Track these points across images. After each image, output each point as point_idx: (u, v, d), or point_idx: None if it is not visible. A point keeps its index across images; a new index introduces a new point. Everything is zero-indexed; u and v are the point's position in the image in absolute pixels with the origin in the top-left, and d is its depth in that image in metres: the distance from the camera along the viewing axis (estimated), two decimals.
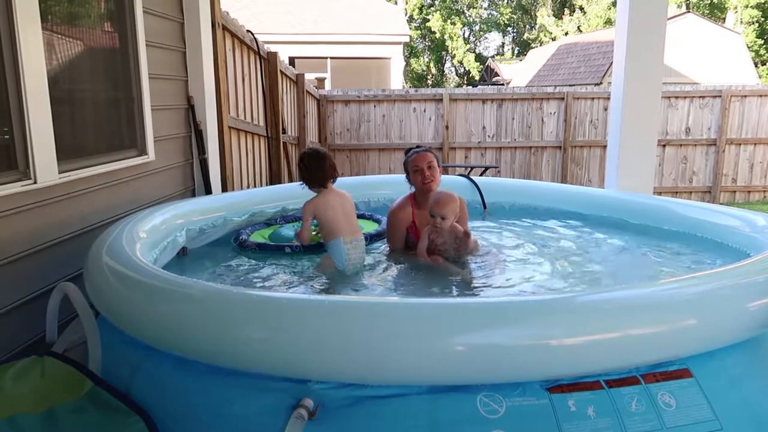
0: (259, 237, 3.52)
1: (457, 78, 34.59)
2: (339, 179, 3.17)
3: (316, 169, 3.03)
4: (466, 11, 33.03)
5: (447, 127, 10.13)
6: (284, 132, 7.14)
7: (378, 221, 3.86)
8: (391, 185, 4.47)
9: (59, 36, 2.95)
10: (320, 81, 10.42)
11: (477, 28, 34.52)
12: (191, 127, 4.41)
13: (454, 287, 2.83)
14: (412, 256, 3.10)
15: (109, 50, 3.49)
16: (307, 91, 8.72)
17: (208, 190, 4.49)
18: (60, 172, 2.74)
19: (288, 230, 3.58)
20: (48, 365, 2.03)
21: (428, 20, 31.25)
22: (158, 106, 3.84)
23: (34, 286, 2.63)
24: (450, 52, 31.72)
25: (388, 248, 3.37)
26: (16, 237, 2.53)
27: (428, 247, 3.06)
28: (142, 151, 3.66)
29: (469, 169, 8.90)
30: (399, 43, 16.32)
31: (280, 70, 6.99)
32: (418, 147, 3.40)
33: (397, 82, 15.96)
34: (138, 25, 3.55)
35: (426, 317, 1.73)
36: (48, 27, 2.77)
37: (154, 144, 3.75)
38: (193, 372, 1.83)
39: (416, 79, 32.72)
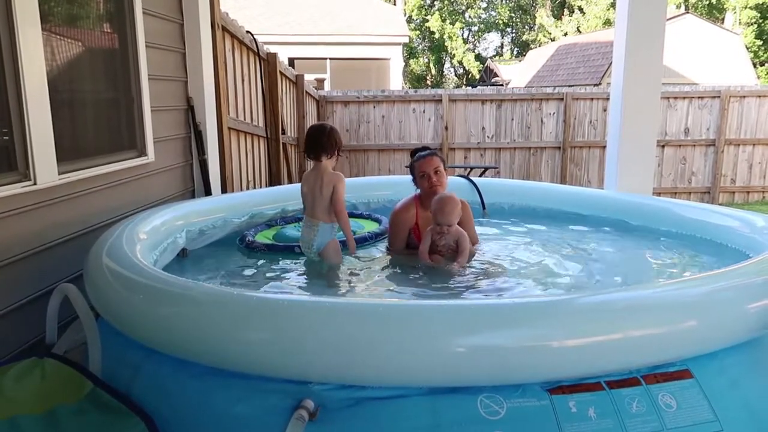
0: (262, 238, 3.52)
1: (456, 78, 34.61)
2: None
3: (305, 140, 3.03)
4: (464, 12, 33.04)
5: (446, 128, 10.14)
6: (284, 133, 7.14)
7: (378, 221, 3.86)
8: (390, 186, 4.48)
9: (59, 37, 2.95)
10: (320, 82, 10.43)
11: (475, 28, 34.53)
12: (191, 128, 4.41)
13: (454, 289, 2.83)
14: (413, 257, 3.11)
15: (109, 51, 3.49)
16: (306, 92, 8.72)
17: (207, 191, 4.49)
18: (60, 173, 2.74)
19: (292, 230, 3.58)
20: (48, 366, 2.03)
21: (427, 20, 31.27)
22: (158, 107, 3.84)
23: (34, 288, 2.63)
24: (449, 52, 31.74)
25: (388, 249, 3.37)
26: (16, 238, 2.53)
27: (430, 248, 3.06)
28: (142, 152, 3.66)
29: (468, 169, 8.90)
30: (398, 44, 16.33)
31: (280, 71, 6.99)
32: (424, 149, 3.36)
33: (396, 82, 15.96)
34: (138, 26, 3.56)
35: (426, 319, 1.73)
36: (48, 28, 2.77)
37: (154, 145, 3.75)
38: (194, 373, 1.83)
39: (415, 79, 32.74)
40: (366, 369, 1.73)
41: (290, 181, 7.18)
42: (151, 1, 3.75)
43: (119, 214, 3.30)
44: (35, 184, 2.56)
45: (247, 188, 5.83)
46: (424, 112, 10.18)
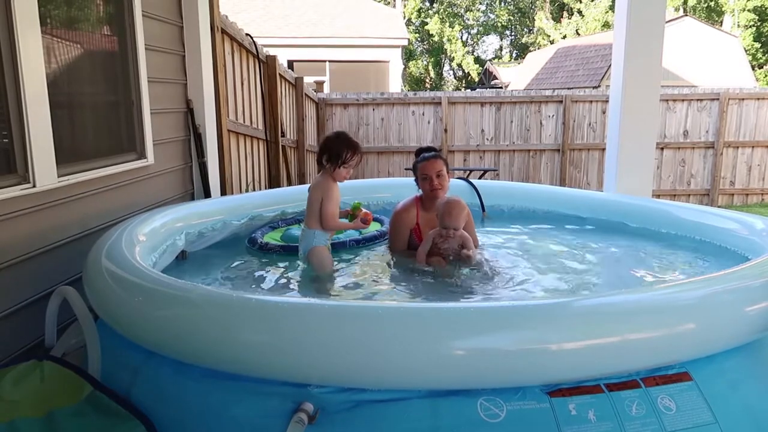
0: (269, 239, 3.53)
1: (455, 81, 34.62)
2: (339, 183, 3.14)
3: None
4: (464, 14, 33.07)
5: (446, 130, 10.14)
6: (283, 135, 7.14)
7: (380, 221, 3.86)
8: (390, 188, 4.47)
9: (59, 40, 2.96)
10: (319, 84, 10.43)
11: (474, 31, 34.56)
12: (190, 131, 4.41)
13: (453, 291, 2.83)
14: (413, 259, 3.11)
15: (109, 54, 3.49)
16: (306, 95, 8.73)
17: (207, 194, 4.49)
18: (59, 176, 2.74)
19: (298, 231, 3.57)
20: (47, 369, 2.03)
21: (426, 23, 31.31)
22: (157, 110, 3.85)
23: (34, 290, 2.62)
24: (448, 54, 31.77)
25: (389, 250, 3.37)
26: (16, 240, 2.53)
27: (431, 251, 3.06)
28: (141, 155, 3.66)
29: (468, 172, 8.91)
30: (397, 47, 16.34)
31: (279, 74, 6.99)
32: (429, 149, 3.37)
33: (395, 85, 15.97)
34: (137, 28, 3.56)
35: (426, 321, 1.73)
36: (47, 31, 2.77)
37: (154, 147, 3.75)
38: (194, 376, 1.83)
39: (414, 82, 32.75)
40: (365, 371, 1.72)
41: (289, 184, 7.18)
42: (150, 4, 3.75)
43: (118, 216, 3.30)
44: (34, 186, 2.56)
45: (247, 190, 5.83)
46: (423, 114, 10.19)
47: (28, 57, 2.50)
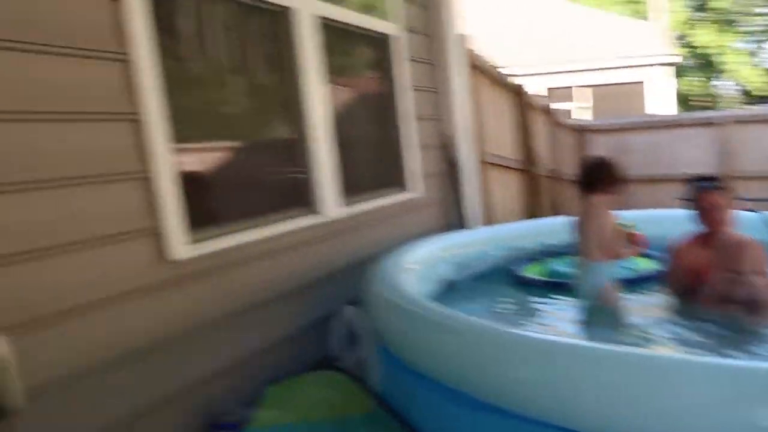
0: (530, 272, 3.51)
1: (733, 97, 30.38)
2: None
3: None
4: (738, 21, 28.93)
5: (727, 154, 8.88)
6: (539, 164, 7.03)
7: (650, 257, 3.49)
8: (661, 221, 4.03)
9: (341, 88, 3.44)
10: (578, 110, 10.06)
11: (753, 38, 29.90)
12: (449, 164, 4.61)
13: (752, 346, 2.41)
14: (697, 304, 2.74)
15: (379, 96, 3.90)
16: (561, 122, 8.49)
17: (465, 225, 4.61)
18: (343, 206, 3.15)
19: (561, 265, 3.44)
20: (336, 379, 2.27)
21: (693, 35, 28.20)
22: (421, 146, 4.13)
23: (323, 309, 2.95)
24: (721, 68, 28.09)
25: (669, 292, 3.03)
26: (308, 265, 2.94)
27: (719, 296, 2.67)
28: (409, 188, 3.97)
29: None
30: (662, 64, 15.04)
31: (531, 103, 6.94)
32: (706, 179, 2.98)
33: (659, 106, 14.66)
34: (404, 72, 3.93)
35: (726, 380, 1.49)
36: (333, 80, 3.21)
37: (419, 181, 4.03)
38: (470, 406, 1.84)
39: (682, 101, 29.62)
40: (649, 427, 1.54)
41: (545, 214, 7.00)
42: (415, 50, 4.10)
43: (388, 245, 3.56)
44: (322, 216, 2.99)
45: (505, 221, 5.84)
46: (696, 136, 9.10)
47: (315, 107, 2.97)
